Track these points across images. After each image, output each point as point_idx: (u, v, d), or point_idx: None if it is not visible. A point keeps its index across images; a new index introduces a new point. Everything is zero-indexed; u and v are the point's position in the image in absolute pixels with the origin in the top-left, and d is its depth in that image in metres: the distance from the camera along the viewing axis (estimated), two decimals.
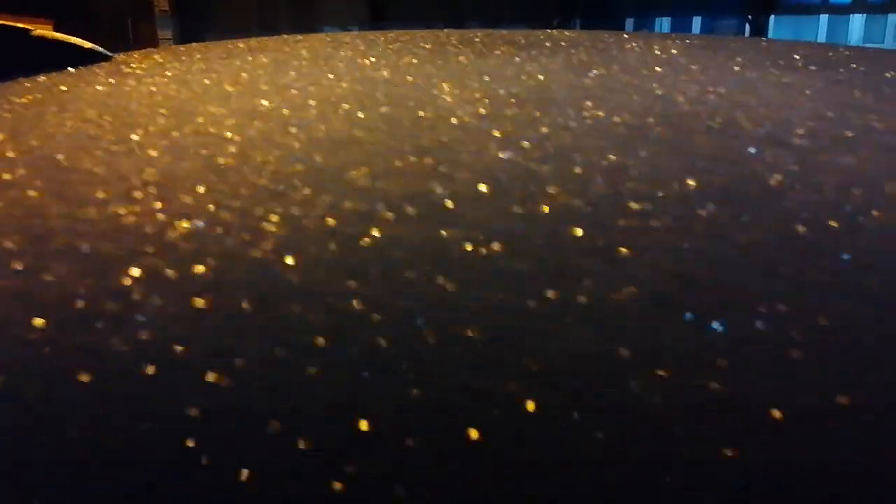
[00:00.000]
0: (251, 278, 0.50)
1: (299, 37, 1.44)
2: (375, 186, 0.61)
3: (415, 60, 1.07)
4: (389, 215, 0.56)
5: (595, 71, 1.00)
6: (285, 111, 0.81)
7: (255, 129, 0.76)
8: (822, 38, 19.18)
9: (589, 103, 0.82)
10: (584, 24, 16.70)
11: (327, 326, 0.45)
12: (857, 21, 19.48)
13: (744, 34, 18.13)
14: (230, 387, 0.41)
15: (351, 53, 1.16)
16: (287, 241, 0.54)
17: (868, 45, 18.74)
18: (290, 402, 0.40)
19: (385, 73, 0.99)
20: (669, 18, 19.29)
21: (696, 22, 19.48)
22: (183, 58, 1.22)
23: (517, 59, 1.09)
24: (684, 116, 0.78)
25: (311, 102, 0.85)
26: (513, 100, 0.84)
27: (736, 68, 1.02)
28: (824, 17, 19.37)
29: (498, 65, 1.04)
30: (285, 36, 1.49)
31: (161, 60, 1.21)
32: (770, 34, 18.23)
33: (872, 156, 0.69)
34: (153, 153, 0.70)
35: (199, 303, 0.47)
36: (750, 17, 17.40)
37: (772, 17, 18.42)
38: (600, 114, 0.78)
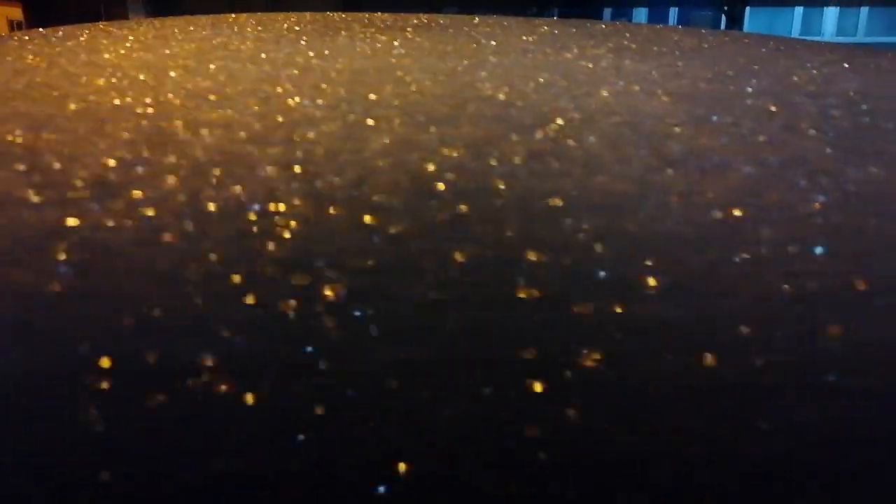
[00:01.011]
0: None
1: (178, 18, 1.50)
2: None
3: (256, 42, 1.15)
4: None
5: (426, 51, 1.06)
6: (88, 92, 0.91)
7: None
8: (796, 30, 19.34)
9: (352, 84, 0.90)
10: (561, 13, 16.65)
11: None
12: (830, 14, 19.68)
13: (719, 26, 18.23)
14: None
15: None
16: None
17: (840, 38, 18.89)
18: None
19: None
20: (646, 9, 19.28)
21: (673, 13, 19.50)
22: (54, 39, 1.23)
23: (358, 41, 1.15)
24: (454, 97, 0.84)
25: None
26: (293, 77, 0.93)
27: (567, 55, 1.05)
28: (799, 10, 19.52)
29: (337, 47, 1.11)
30: (172, 17, 1.53)
31: (25, 41, 1.21)
32: (746, 26, 18.34)
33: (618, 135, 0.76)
34: None
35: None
36: (725, 8, 17.49)
37: (747, 9, 18.51)
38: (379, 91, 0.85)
